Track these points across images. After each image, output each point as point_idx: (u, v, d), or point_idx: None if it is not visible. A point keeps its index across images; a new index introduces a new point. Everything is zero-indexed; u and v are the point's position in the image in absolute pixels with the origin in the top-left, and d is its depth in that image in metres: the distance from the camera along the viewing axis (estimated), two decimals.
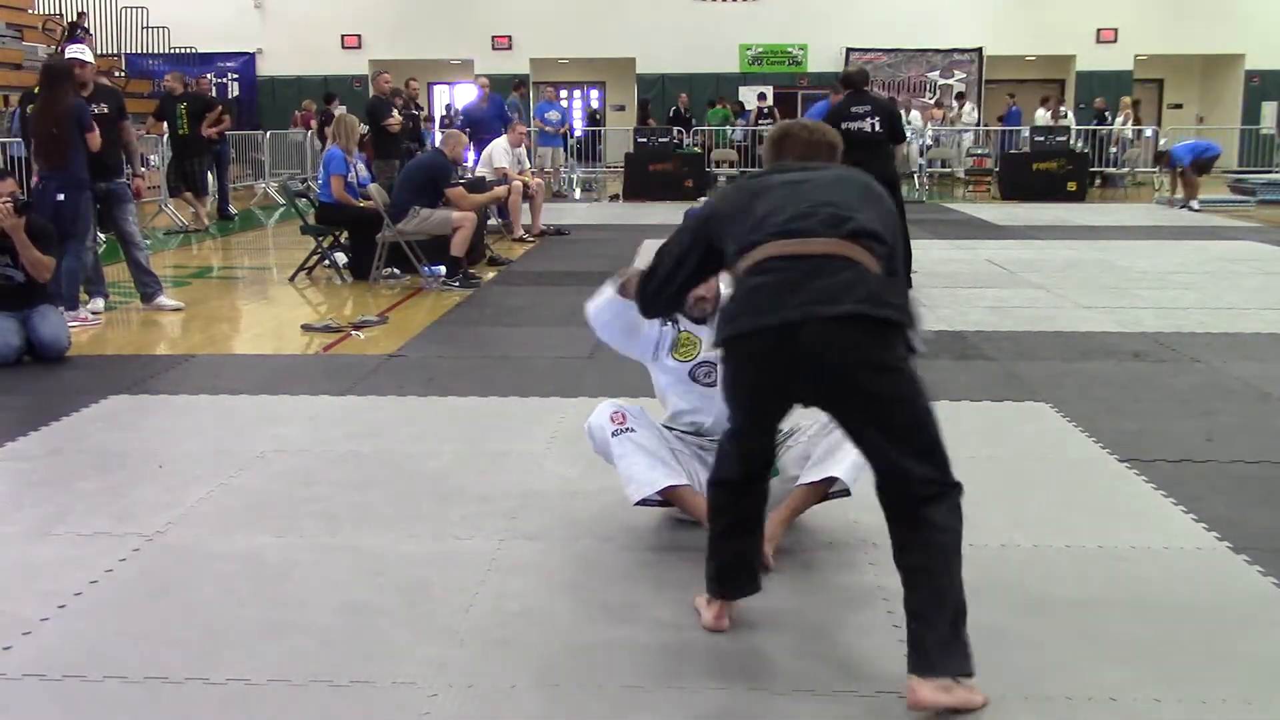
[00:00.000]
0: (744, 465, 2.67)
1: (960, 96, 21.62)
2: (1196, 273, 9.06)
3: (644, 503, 3.34)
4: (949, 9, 22.61)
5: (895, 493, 2.47)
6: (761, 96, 21.95)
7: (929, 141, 19.80)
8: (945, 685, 2.36)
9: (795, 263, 2.47)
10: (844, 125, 8.17)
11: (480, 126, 13.63)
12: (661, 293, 2.88)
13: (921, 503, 2.43)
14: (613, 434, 3.35)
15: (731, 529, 2.71)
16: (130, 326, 7.21)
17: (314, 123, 17.84)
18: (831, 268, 2.46)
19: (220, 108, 13.87)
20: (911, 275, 8.22)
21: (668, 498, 3.32)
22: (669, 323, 3.49)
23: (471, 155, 12.46)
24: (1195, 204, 14.96)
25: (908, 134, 12.31)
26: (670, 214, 11.76)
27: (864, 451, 2.54)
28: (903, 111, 19.13)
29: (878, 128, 8.06)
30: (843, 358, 2.41)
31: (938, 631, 2.37)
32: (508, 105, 18.17)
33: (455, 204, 8.62)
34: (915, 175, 19.11)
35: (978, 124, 21.19)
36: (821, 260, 2.47)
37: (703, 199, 15.43)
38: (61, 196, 6.85)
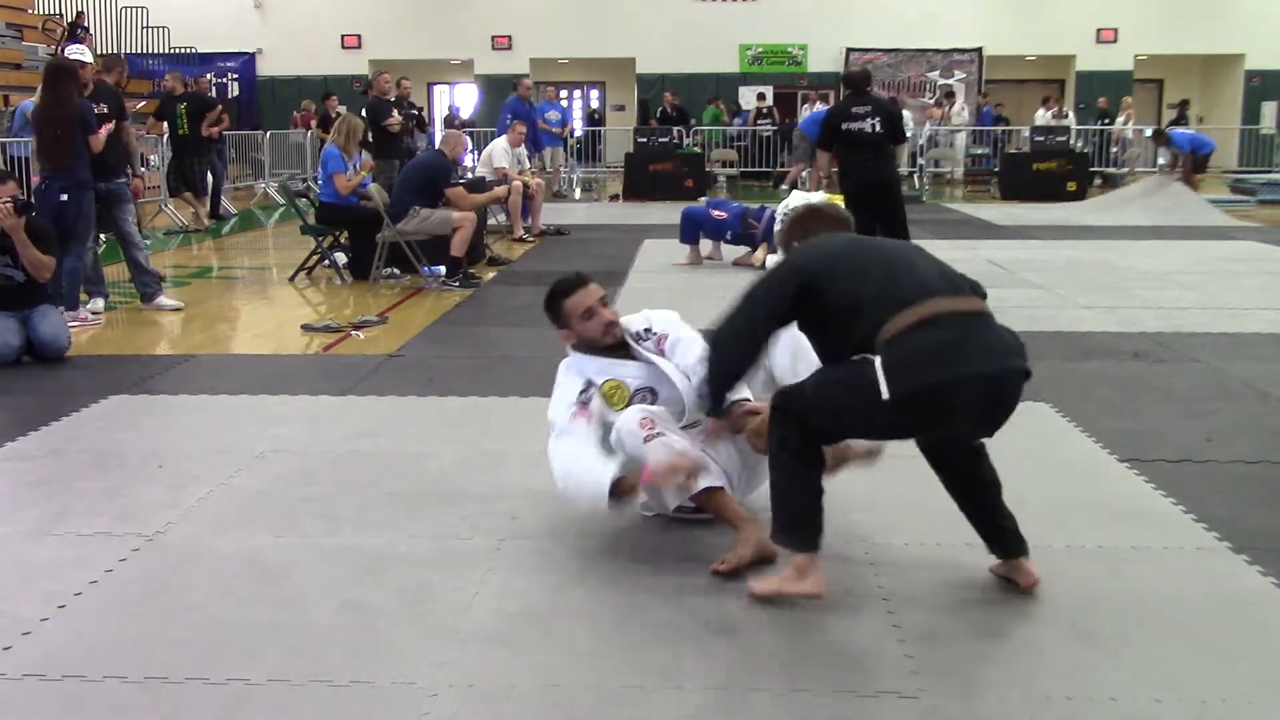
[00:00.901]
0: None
1: (950, 95, 21.61)
2: (1196, 273, 9.05)
3: (679, 509, 3.31)
4: (949, 9, 22.61)
5: (972, 464, 3.04)
6: (761, 96, 21.94)
7: (923, 142, 19.80)
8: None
9: (965, 319, 2.76)
10: (844, 126, 8.16)
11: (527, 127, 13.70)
12: (750, 322, 2.91)
13: (981, 452, 3.06)
14: (644, 440, 3.12)
15: (818, 484, 2.89)
16: (130, 326, 7.21)
17: (313, 122, 17.85)
18: (991, 325, 2.81)
19: (220, 108, 13.88)
20: None
21: (702, 503, 3.21)
22: (586, 392, 3.43)
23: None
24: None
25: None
26: (670, 214, 11.74)
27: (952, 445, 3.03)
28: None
29: (878, 128, 8.05)
30: (1014, 403, 2.81)
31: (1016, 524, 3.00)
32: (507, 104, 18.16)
33: (455, 204, 8.62)
34: (915, 175, 19.12)
35: (969, 123, 21.17)
36: (983, 318, 2.81)
37: (702, 198, 15.43)
38: (65, 197, 6.85)
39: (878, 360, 2.69)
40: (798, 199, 10.00)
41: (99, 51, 18.16)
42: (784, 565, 2.95)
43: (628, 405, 3.36)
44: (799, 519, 2.88)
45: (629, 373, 3.46)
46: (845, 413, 2.80)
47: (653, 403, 3.39)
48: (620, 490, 3.20)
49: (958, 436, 2.95)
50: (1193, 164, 15.39)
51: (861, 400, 2.71)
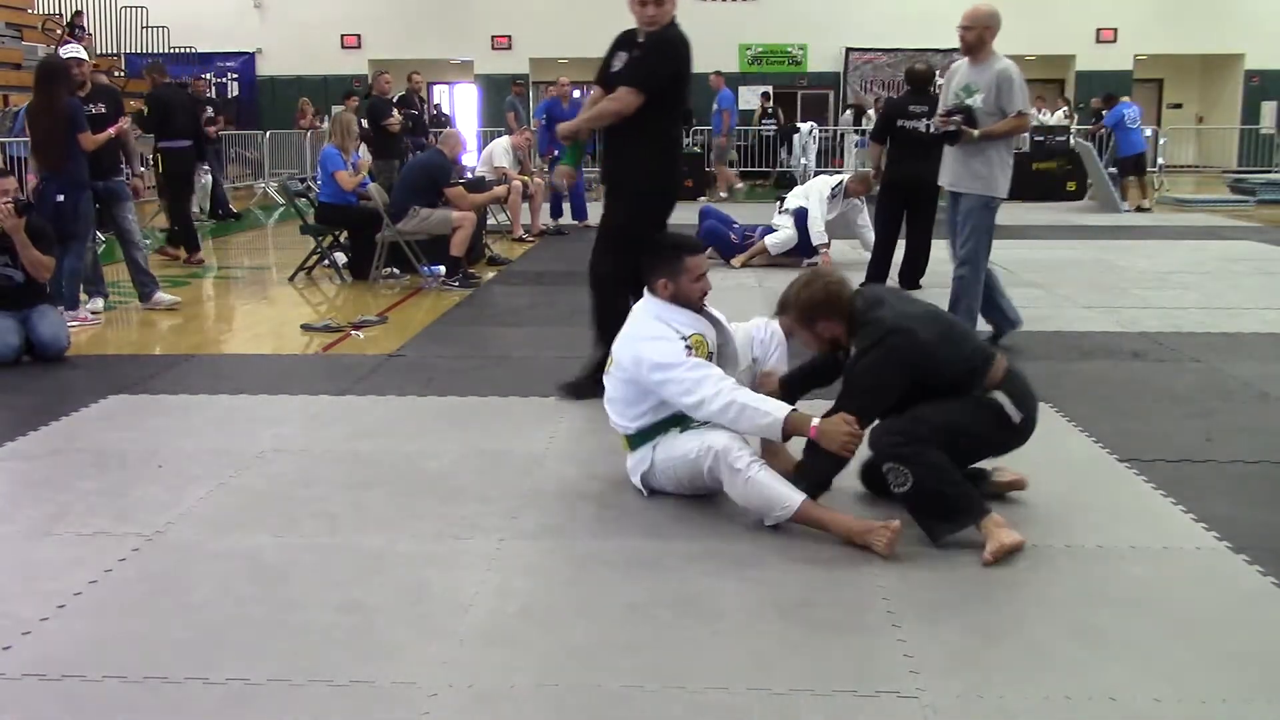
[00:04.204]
0: None
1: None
2: (1196, 273, 9.06)
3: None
4: (949, 9, 22.38)
5: None
6: (765, 96, 21.91)
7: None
8: None
9: (1014, 367, 3.60)
10: (899, 123, 8.12)
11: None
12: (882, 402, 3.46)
13: None
14: (749, 462, 3.39)
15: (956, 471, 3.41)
16: (130, 326, 7.20)
17: (316, 120, 17.90)
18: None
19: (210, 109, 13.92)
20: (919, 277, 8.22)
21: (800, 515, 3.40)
22: (684, 339, 3.62)
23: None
24: (1147, 203, 14.93)
25: None
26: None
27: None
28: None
29: (933, 129, 8.02)
30: None
31: None
32: (506, 104, 18.15)
33: (454, 204, 8.62)
34: None
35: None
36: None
37: (702, 198, 15.43)
38: (61, 197, 6.84)
39: (1000, 396, 3.44)
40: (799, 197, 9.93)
41: (98, 51, 18.21)
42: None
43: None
44: (965, 500, 3.29)
45: (709, 333, 3.73)
46: (981, 434, 3.47)
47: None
48: (788, 429, 3.39)
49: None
50: (1129, 167, 15.09)
51: (995, 424, 3.45)
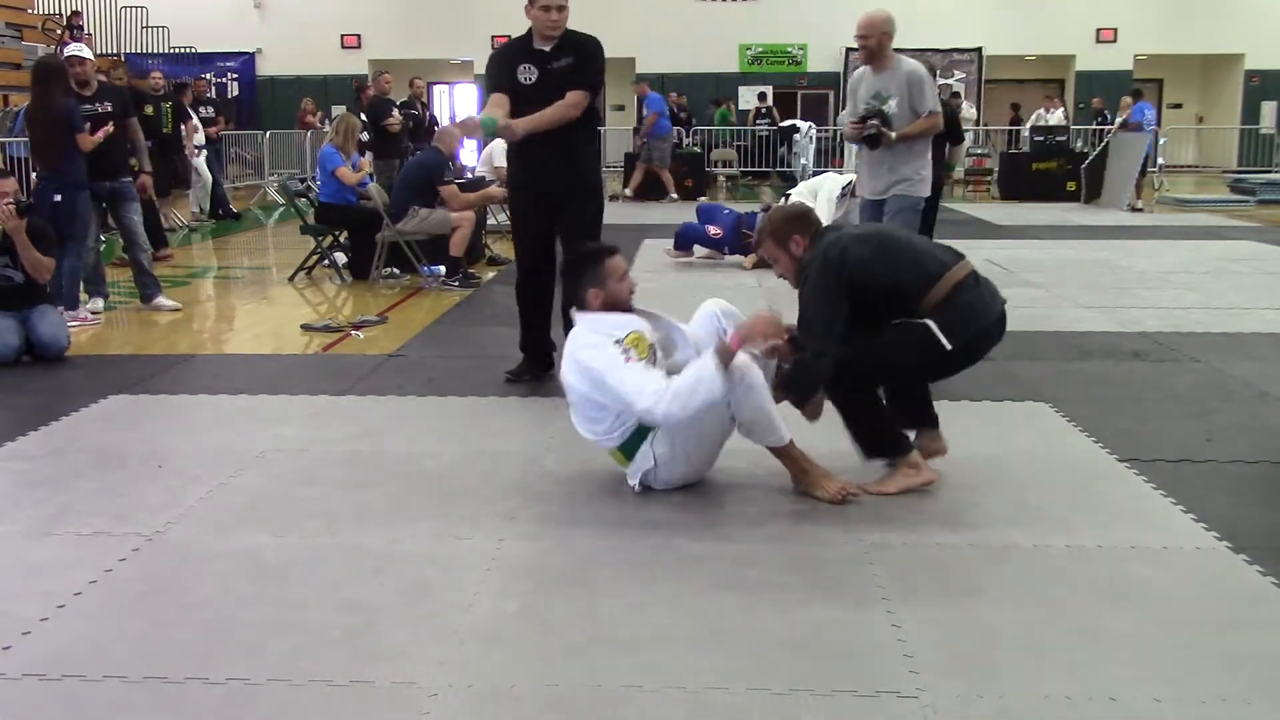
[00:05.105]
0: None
1: (955, 96, 21.60)
2: (1196, 273, 9.06)
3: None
4: (949, 9, 22.60)
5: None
6: (762, 97, 21.92)
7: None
8: None
9: (974, 278, 3.70)
10: None
11: None
12: (833, 329, 3.61)
13: None
14: (765, 387, 3.58)
15: (883, 406, 3.85)
16: (130, 326, 7.20)
17: (316, 120, 17.92)
18: (980, 275, 3.75)
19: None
20: None
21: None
22: (619, 342, 3.66)
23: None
24: (1140, 203, 14.91)
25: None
26: (670, 214, 11.73)
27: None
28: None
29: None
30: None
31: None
32: None
33: (446, 202, 8.59)
34: None
35: (977, 123, 21.18)
36: (977, 273, 3.73)
37: (702, 198, 15.43)
38: (58, 197, 6.83)
39: (930, 323, 3.56)
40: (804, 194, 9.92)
41: (98, 51, 18.19)
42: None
43: (648, 356, 3.66)
44: (888, 433, 3.71)
45: (644, 327, 3.79)
46: (914, 368, 3.74)
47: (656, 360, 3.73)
48: (723, 359, 3.48)
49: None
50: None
51: (928, 354, 3.60)
